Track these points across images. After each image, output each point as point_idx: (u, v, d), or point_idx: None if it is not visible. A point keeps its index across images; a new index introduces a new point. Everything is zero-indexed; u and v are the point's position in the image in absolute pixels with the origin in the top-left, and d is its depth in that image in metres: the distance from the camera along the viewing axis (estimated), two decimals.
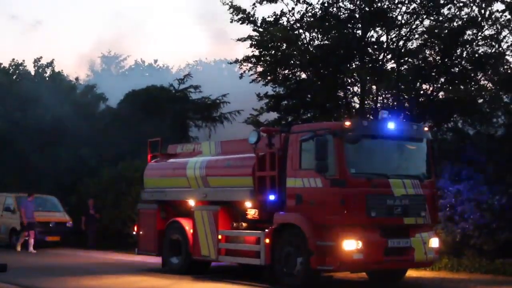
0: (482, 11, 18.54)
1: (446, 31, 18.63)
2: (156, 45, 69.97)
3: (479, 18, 18.63)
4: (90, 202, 23.17)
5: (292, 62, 20.24)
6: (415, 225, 12.51)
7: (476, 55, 18.65)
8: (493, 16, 18.51)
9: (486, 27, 18.74)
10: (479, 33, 18.83)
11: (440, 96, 18.89)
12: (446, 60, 19.13)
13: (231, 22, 20.44)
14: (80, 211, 24.07)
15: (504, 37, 18.79)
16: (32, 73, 35.03)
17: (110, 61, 55.28)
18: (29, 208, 21.40)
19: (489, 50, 18.73)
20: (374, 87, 19.69)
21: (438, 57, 19.30)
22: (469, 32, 18.80)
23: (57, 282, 13.74)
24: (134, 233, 16.91)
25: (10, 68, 35.24)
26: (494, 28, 18.72)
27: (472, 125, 18.98)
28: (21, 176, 28.48)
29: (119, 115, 30.40)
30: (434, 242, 12.76)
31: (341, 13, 19.89)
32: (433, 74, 19.29)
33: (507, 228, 15.17)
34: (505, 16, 18.52)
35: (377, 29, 19.71)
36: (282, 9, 20.26)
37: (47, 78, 34.89)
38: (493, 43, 18.72)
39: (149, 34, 72.10)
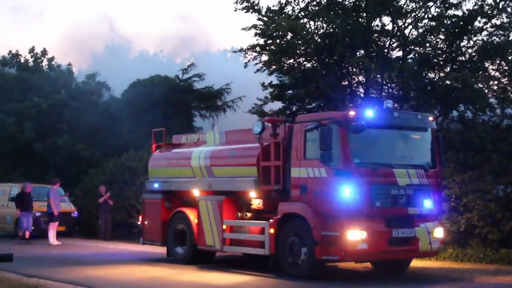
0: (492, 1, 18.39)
1: (453, 19, 18.48)
2: (160, 35, 70.05)
3: (488, 7, 18.48)
4: (101, 189, 22.64)
5: (297, 51, 20.14)
6: (420, 215, 12.49)
7: (487, 46, 18.42)
8: (501, 5, 18.33)
9: (494, 15, 18.58)
10: (488, 22, 18.67)
11: (447, 82, 18.73)
12: (453, 48, 19.01)
13: (235, 10, 20.35)
14: (86, 201, 24.11)
15: None
16: (31, 63, 35.04)
17: (114, 51, 55.22)
18: (56, 197, 20.95)
19: (498, 39, 18.55)
20: (378, 76, 19.58)
21: (444, 45, 19.17)
22: (477, 21, 18.65)
23: (62, 271, 13.79)
24: (139, 223, 16.95)
25: (7, 58, 35.27)
26: (504, 17, 18.57)
27: (477, 115, 18.84)
28: (26, 167, 28.56)
29: (123, 105, 30.41)
30: (439, 232, 12.75)
31: (347, 1, 19.78)
32: (439, 62, 19.17)
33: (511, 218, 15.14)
34: None
35: (383, 17, 19.60)
36: None
37: (45, 68, 34.91)
38: (501, 32, 18.54)
39: (153, 23, 72.05)
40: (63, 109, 29.25)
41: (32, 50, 35.29)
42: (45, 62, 35.22)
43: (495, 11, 18.47)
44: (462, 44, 19.04)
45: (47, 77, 32.84)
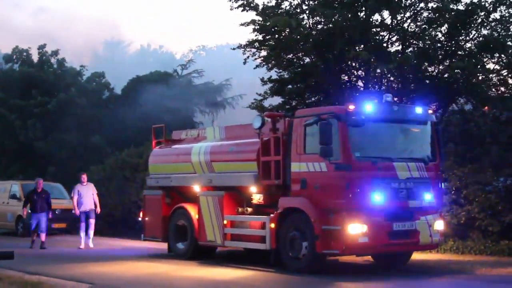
0: None
1: (452, 13, 18.43)
2: (159, 30, 70.20)
3: (489, 1, 18.43)
4: None
5: (296, 46, 20.06)
6: (420, 208, 12.51)
7: (483, 38, 18.35)
8: None
9: (493, 9, 18.52)
10: (488, 16, 18.62)
11: (449, 74, 18.68)
12: (452, 42, 18.98)
13: (231, 9, 20.20)
14: None
15: None
16: (35, 60, 34.89)
17: (113, 47, 55.28)
18: (85, 194, 18.30)
19: (496, 34, 18.49)
20: (378, 70, 19.54)
21: (444, 38, 19.14)
22: (477, 15, 18.58)
23: (64, 269, 13.81)
24: (140, 219, 16.98)
25: (14, 55, 35.13)
26: (503, 10, 18.51)
27: (476, 107, 18.81)
28: (26, 164, 28.61)
29: (123, 101, 30.50)
30: (439, 225, 12.78)
31: None
32: (439, 55, 19.14)
33: (511, 210, 15.14)
34: None
35: (382, 11, 19.54)
36: None
37: (54, 65, 34.80)
38: (500, 26, 18.49)
39: (153, 19, 72.15)
40: (71, 106, 29.28)
41: (42, 47, 34.85)
42: (53, 61, 34.91)
43: (495, 4, 18.40)
44: (461, 38, 19.00)
45: (52, 74, 32.77)
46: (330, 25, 19.61)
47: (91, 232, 18.19)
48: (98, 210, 18.47)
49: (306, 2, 19.85)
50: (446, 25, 18.71)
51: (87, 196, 18.27)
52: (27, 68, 32.70)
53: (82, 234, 18.24)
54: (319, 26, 20.04)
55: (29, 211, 18.61)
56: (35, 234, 18.47)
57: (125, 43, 55.92)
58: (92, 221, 18.21)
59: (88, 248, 17.97)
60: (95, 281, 12.01)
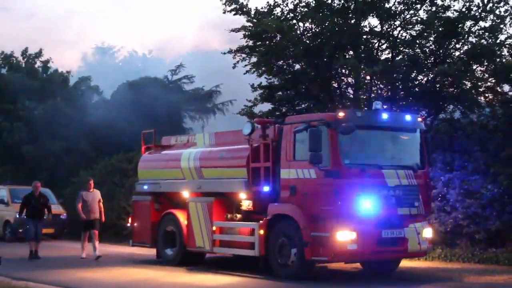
0: (480, 2, 18.46)
1: (441, 21, 18.54)
2: (149, 36, 70.25)
3: (477, 9, 18.55)
4: None
5: (286, 53, 20.14)
6: (409, 216, 12.55)
7: (476, 48, 18.44)
8: (489, 7, 18.42)
9: (482, 18, 18.65)
10: (476, 24, 18.75)
11: (438, 79, 18.78)
12: (441, 50, 19.09)
13: (224, 13, 20.32)
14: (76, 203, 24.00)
15: (501, 29, 18.67)
16: (23, 65, 34.71)
17: (104, 52, 55.12)
18: (91, 201, 16.94)
19: (485, 42, 18.61)
20: (368, 77, 19.62)
21: (433, 47, 19.26)
22: (466, 23, 18.71)
23: (51, 274, 13.74)
24: (129, 225, 16.92)
25: (0, 60, 34.96)
26: (491, 19, 18.64)
27: (464, 114, 18.91)
28: (14, 169, 28.44)
29: (113, 106, 30.41)
30: (428, 232, 12.84)
31: (335, 3, 19.81)
32: (428, 64, 19.25)
33: (498, 217, 15.22)
34: (501, 7, 18.48)
35: (371, 19, 19.68)
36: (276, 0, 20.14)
37: (39, 69, 34.62)
38: (487, 35, 18.62)
39: (143, 24, 72.09)
40: (57, 114, 29.16)
41: (25, 51, 34.66)
42: (38, 64, 34.71)
43: (482, 14, 18.55)
44: (450, 46, 19.11)
45: (40, 79, 32.62)
46: (320, 31, 19.69)
47: (97, 242, 16.83)
48: (103, 219, 17.24)
49: (299, 10, 19.94)
50: (435, 34, 18.83)
51: (93, 203, 16.94)
52: (13, 73, 32.54)
53: (85, 243, 16.92)
54: (310, 32, 20.12)
55: (25, 216, 17.20)
56: (33, 242, 17.06)
57: (116, 48, 55.78)
58: (96, 232, 16.92)
59: (93, 256, 16.67)
60: (83, 287, 11.95)
